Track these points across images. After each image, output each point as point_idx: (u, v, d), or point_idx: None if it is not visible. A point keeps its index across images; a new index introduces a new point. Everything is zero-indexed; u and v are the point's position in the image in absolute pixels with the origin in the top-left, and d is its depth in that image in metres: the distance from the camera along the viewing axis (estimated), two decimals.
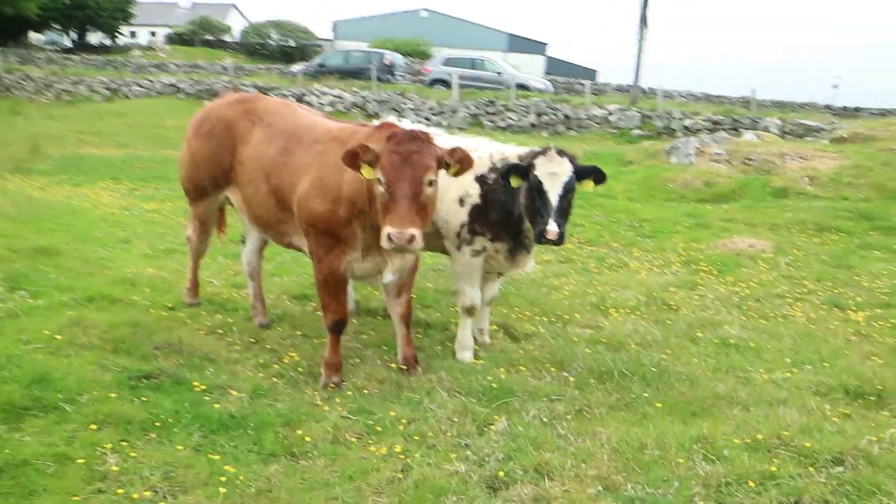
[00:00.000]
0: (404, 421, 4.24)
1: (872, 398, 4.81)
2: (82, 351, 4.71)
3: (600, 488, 3.65)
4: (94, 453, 3.66)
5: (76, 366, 4.46)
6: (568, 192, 4.77)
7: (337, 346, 4.85)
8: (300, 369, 4.99)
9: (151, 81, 31.05)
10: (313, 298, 6.67)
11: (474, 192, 5.16)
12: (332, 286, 4.71)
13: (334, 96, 27.59)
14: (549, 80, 35.89)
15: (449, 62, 32.75)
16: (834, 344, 5.90)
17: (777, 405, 4.61)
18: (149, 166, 15.29)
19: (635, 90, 29.65)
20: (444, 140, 4.90)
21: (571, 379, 4.97)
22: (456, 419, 4.30)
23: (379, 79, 29.91)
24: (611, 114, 26.26)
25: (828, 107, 42.81)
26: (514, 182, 4.86)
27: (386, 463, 3.80)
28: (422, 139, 4.15)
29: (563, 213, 4.76)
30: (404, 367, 5.00)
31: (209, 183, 5.48)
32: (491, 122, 25.59)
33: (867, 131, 14.90)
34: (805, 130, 26.14)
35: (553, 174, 4.75)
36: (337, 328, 4.81)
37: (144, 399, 4.22)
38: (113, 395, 4.18)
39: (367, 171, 4.17)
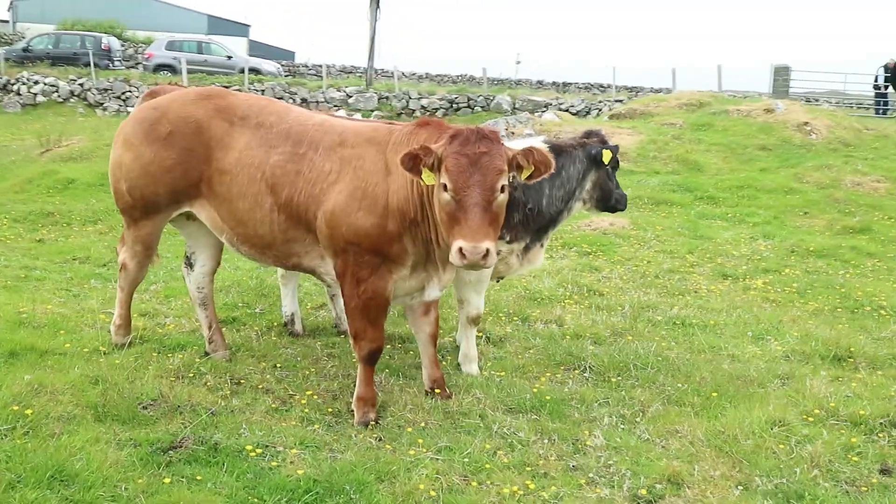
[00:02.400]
0: (500, 452, 3.87)
1: (850, 360, 5.35)
2: (70, 426, 3.66)
3: (740, 488, 3.65)
4: None
5: (81, 447, 3.45)
6: None
7: (371, 378, 4.29)
8: (330, 410, 4.34)
9: None
10: (246, 321, 5.88)
11: None
12: (373, 311, 4.13)
13: (48, 84, 24.88)
14: (277, 64, 35.34)
15: (173, 46, 31.01)
16: (765, 313, 6.49)
17: (790, 379, 4.96)
18: None
19: (370, 71, 30.20)
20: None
21: (613, 380, 4.90)
22: (546, 440, 4.05)
23: (96, 65, 27.23)
24: (349, 96, 26.54)
25: (539, 82, 46.98)
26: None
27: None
28: (490, 139, 3.72)
29: None
30: (435, 390, 4.56)
31: (166, 198, 4.51)
32: None
33: (642, 107, 16.51)
34: (534, 106, 28.45)
35: None
36: (373, 359, 4.25)
37: (199, 478, 3.39)
38: (166, 480, 3.29)
39: (427, 177, 3.68)
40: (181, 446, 3.65)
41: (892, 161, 12.60)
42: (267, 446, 3.78)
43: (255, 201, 4.25)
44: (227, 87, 25.49)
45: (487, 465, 3.73)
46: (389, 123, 4.34)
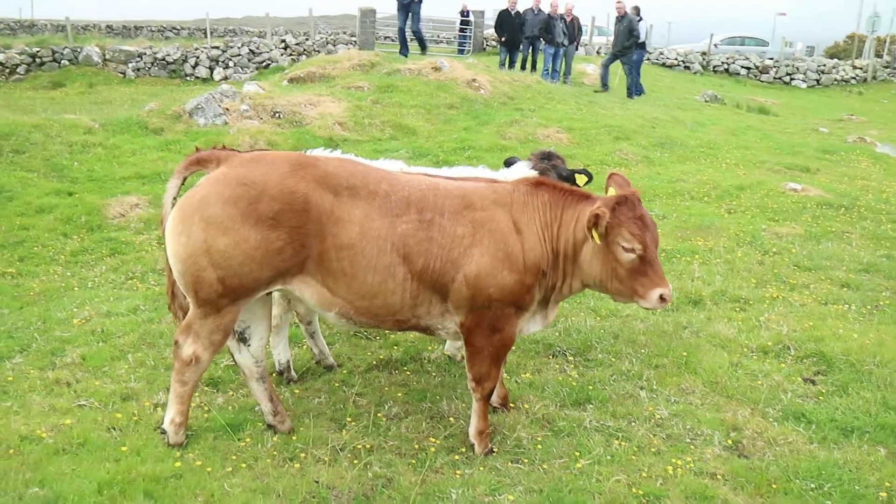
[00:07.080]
0: (616, 443, 4.80)
1: (703, 303, 7.29)
2: None
3: (770, 419, 5.16)
4: None
5: None
6: None
7: (487, 411, 4.79)
8: (462, 449, 4.71)
9: None
10: (233, 380, 5.52)
11: None
12: (502, 355, 4.67)
13: None
14: None
15: None
16: None
17: (691, 327, 6.68)
18: None
19: None
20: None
21: (596, 359, 6.01)
22: (631, 424, 5.09)
23: None
24: None
25: (109, 27, 43.92)
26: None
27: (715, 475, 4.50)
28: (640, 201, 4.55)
29: None
30: (500, 405, 5.23)
31: (266, 281, 4.21)
32: None
33: (319, 70, 16.81)
34: (127, 56, 27.02)
35: None
36: (490, 395, 4.77)
37: None
38: None
39: (596, 236, 4.37)
40: None
41: (550, 111, 15.39)
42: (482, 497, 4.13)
43: (387, 273, 4.28)
44: None
45: (633, 458, 4.65)
46: (494, 182, 4.68)
